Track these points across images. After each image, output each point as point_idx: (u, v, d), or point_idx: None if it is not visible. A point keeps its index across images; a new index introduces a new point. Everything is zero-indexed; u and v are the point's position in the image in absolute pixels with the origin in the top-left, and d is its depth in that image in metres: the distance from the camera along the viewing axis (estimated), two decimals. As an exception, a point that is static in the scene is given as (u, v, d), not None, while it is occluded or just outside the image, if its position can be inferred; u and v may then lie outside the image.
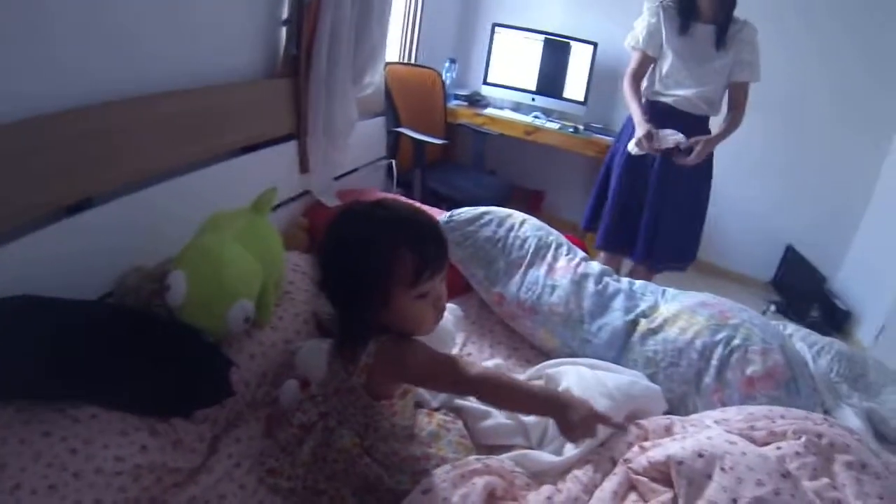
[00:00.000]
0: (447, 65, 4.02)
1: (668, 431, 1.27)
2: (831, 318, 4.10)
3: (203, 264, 1.36)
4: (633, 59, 2.68)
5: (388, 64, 3.10)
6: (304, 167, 2.36)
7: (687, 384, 1.62)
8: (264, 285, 1.49)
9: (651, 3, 2.61)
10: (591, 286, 1.88)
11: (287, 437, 1.28)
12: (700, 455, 1.09)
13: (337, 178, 2.62)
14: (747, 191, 4.27)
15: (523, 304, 1.88)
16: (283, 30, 2.12)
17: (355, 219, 1.16)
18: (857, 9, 4.00)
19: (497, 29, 4.00)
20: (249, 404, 1.43)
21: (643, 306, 1.83)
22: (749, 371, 1.58)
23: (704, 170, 2.72)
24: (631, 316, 1.79)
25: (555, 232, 2.12)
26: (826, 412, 1.57)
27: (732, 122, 2.63)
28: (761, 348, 1.60)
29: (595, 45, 3.87)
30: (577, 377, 1.50)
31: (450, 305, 1.53)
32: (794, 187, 4.32)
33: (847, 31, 3.97)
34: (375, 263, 1.07)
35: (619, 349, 1.74)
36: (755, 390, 1.56)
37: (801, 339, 1.87)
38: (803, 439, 1.18)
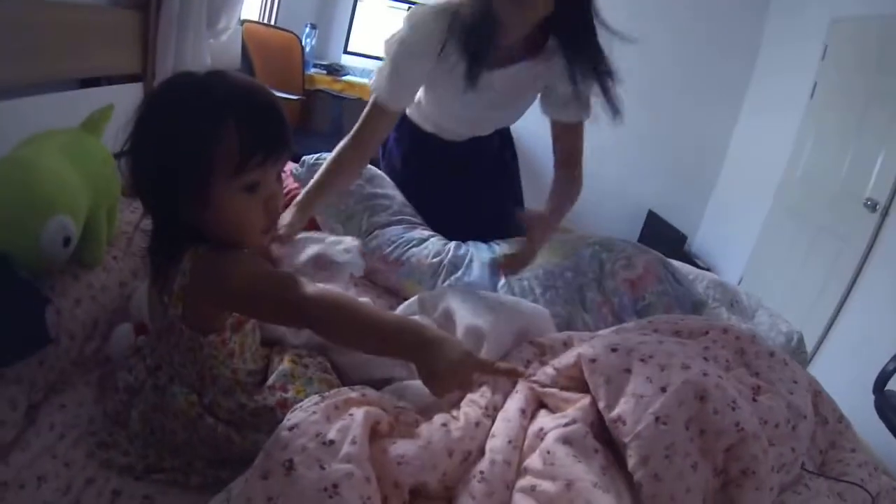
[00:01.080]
0: (307, 30, 3.79)
1: (566, 346, 1.15)
2: None
3: (12, 171, 1.05)
4: None
5: (245, 21, 2.89)
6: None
7: (571, 304, 1.57)
8: (93, 214, 1.19)
9: None
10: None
11: (114, 405, 1.00)
12: (613, 350, 0.98)
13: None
14: (606, 161, 4.48)
15: (387, 257, 1.70)
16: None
17: (177, 84, 0.90)
18: None
19: None
20: (76, 362, 1.13)
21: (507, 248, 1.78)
22: (628, 275, 1.60)
23: None
24: (498, 254, 1.73)
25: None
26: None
27: None
28: (628, 253, 1.65)
29: (458, 16, 3.87)
30: (459, 296, 1.33)
31: (346, 238, 1.36)
32: (651, 155, 4.66)
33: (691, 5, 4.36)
34: (191, 138, 0.83)
35: (493, 284, 1.66)
36: (641, 290, 1.58)
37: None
38: (710, 333, 1.15)
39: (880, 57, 3.59)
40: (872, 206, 3.38)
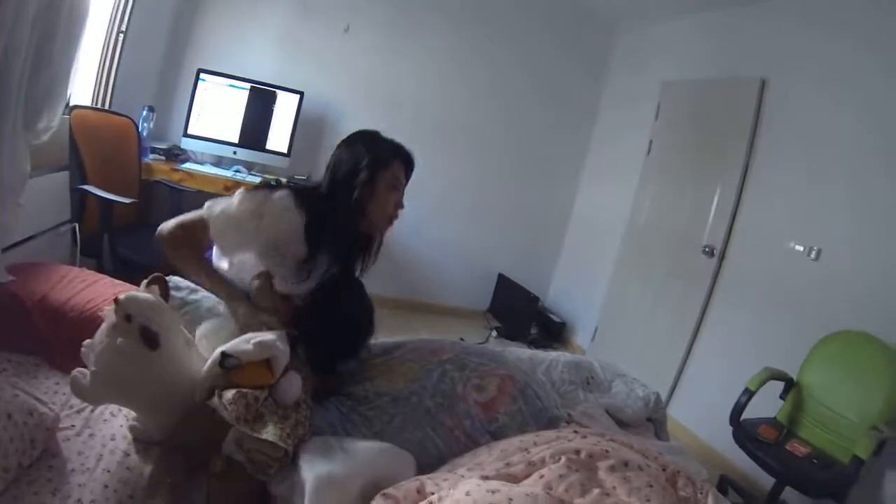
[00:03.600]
0: (144, 113, 3.55)
1: (420, 494, 1.12)
2: (550, 331, 4.63)
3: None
4: None
5: (74, 108, 2.63)
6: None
7: (421, 429, 1.52)
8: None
9: None
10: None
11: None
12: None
13: (6, 250, 2.01)
14: (454, 230, 4.60)
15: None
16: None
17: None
18: (536, 50, 4.62)
19: (202, 75, 3.68)
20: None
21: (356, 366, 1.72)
22: (480, 397, 1.57)
23: None
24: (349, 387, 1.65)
25: None
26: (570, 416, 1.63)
27: None
28: (481, 372, 1.61)
29: (301, 94, 3.79)
30: (322, 445, 1.30)
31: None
32: (499, 221, 4.81)
33: (536, 91, 4.61)
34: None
35: (342, 418, 1.55)
36: (494, 412, 1.55)
37: (529, 358, 1.95)
38: (563, 460, 1.14)
39: (706, 115, 3.97)
40: (710, 252, 3.67)
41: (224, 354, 1.32)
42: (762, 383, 2.75)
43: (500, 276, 4.80)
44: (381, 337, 1.86)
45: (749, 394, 2.72)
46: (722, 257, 3.66)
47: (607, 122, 5.01)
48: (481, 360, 1.66)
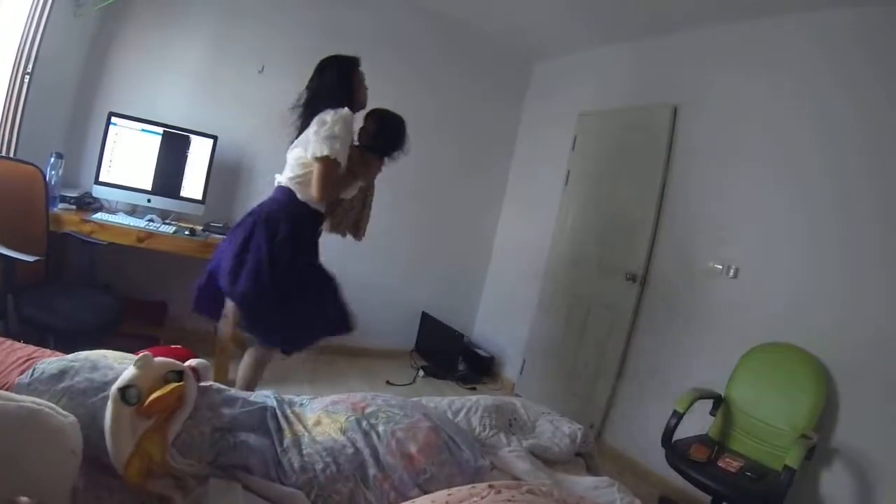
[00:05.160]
0: (52, 160, 3.33)
1: None
2: (478, 366, 4.60)
3: None
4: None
5: None
6: None
7: (352, 481, 1.50)
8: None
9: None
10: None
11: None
12: None
13: None
14: (376, 270, 4.55)
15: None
16: None
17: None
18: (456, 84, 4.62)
19: (114, 119, 3.50)
20: None
21: (283, 423, 1.68)
22: (406, 449, 1.57)
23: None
24: (276, 435, 1.62)
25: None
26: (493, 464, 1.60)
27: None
28: (407, 424, 1.61)
29: (215, 138, 3.68)
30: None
31: None
32: (420, 258, 4.78)
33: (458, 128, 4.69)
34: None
35: (276, 459, 1.54)
36: (421, 464, 1.55)
37: (447, 406, 1.91)
38: None
39: (622, 143, 4.09)
40: (632, 278, 3.75)
41: (122, 389, 1.25)
42: (690, 404, 2.80)
43: (424, 315, 4.78)
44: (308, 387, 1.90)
45: (678, 416, 2.77)
46: (644, 282, 3.75)
47: (525, 155, 5.12)
48: (404, 413, 1.65)
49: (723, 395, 3.02)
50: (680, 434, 2.84)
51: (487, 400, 2.01)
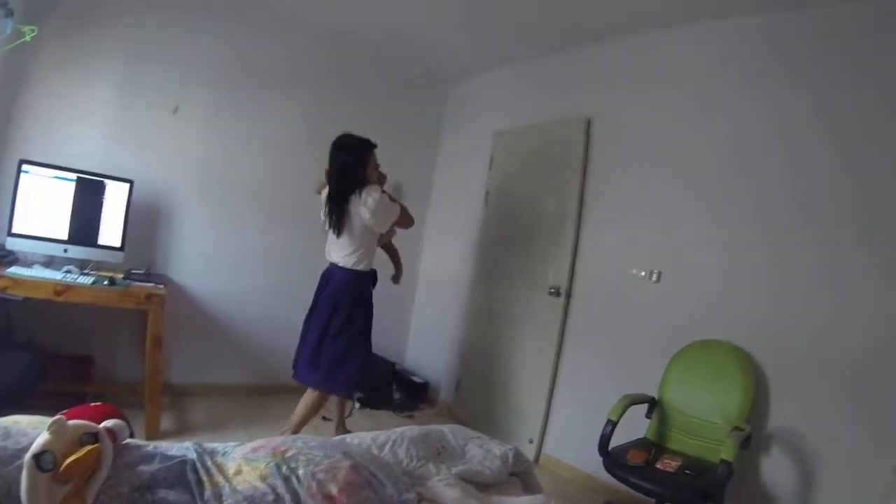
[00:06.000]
0: None
1: None
2: (413, 393, 4.60)
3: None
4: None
5: None
6: None
7: None
8: None
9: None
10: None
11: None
12: None
13: None
14: (305, 305, 4.47)
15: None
16: None
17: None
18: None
19: (25, 167, 3.34)
20: None
21: (203, 476, 1.64)
22: (326, 490, 1.54)
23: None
24: (196, 489, 1.57)
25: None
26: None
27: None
28: (327, 465, 1.59)
29: (131, 182, 3.56)
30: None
31: None
32: None
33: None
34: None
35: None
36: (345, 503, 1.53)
37: (372, 440, 1.89)
38: None
39: (539, 159, 4.15)
40: (556, 292, 3.80)
41: (36, 456, 1.21)
42: (622, 411, 2.84)
43: None
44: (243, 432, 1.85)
45: (612, 424, 2.80)
46: (569, 295, 3.81)
47: (445, 177, 5.17)
48: (325, 453, 1.63)
49: (656, 397, 3.08)
50: (621, 439, 2.88)
51: (413, 430, 2.00)
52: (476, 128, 4.79)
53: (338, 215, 3.24)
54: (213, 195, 4.13)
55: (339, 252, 3.31)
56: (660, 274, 3.37)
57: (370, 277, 3.40)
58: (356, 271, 3.29)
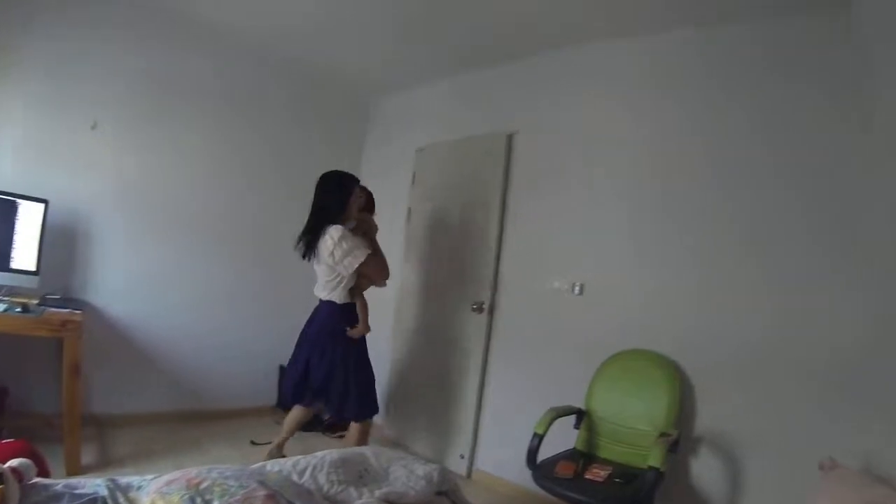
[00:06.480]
0: None
1: None
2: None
3: None
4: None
5: None
6: None
7: None
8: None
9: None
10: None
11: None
12: None
13: None
14: (226, 327, 4.39)
15: None
16: None
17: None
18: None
19: None
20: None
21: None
22: None
23: None
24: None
25: None
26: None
27: None
28: (242, 495, 1.56)
29: (46, 202, 3.40)
30: None
31: None
32: (271, 311, 4.63)
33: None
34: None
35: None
36: None
37: (292, 466, 1.87)
38: None
39: (460, 175, 4.18)
40: (480, 307, 3.83)
41: None
42: (549, 424, 2.87)
43: (282, 368, 4.55)
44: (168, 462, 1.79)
45: (538, 437, 2.83)
46: (492, 310, 3.85)
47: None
48: (240, 483, 1.59)
49: (584, 407, 3.14)
50: (553, 450, 2.92)
51: (334, 454, 1.98)
52: (399, 144, 4.81)
53: (307, 250, 3.30)
54: (135, 215, 3.98)
55: (320, 286, 3.37)
56: (582, 286, 3.45)
57: (353, 310, 3.41)
58: (338, 304, 3.33)
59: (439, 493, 2.03)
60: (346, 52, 4.33)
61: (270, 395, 4.62)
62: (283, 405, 3.43)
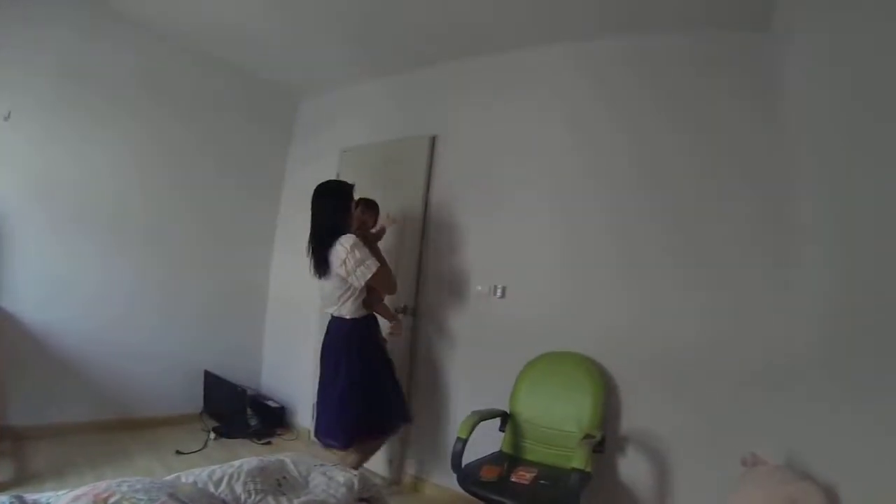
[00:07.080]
0: None
1: None
2: (270, 419, 4.42)
3: None
4: None
5: None
6: None
7: None
8: None
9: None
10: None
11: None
12: None
13: None
14: (149, 332, 4.26)
15: None
16: None
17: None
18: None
19: None
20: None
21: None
22: None
23: None
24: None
25: None
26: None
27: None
28: None
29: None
30: None
31: None
32: (195, 314, 4.54)
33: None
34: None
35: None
36: None
37: (208, 477, 1.85)
38: None
39: (384, 176, 4.16)
40: (402, 310, 3.85)
41: None
42: (472, 428, 2.89)
43: (207, 373, 4.51)
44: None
45: (462, 441, 2.84)
46: (416, 313, 3.87)
47: (292, 196, 5.06)
48: (149, 497, 1.57)
49: (508, 410, 3.19)
50: (480, 453, 2.95)
51: (252, 463, 1.96)
52: (325, 144, 4.78)
53: (317, 264, 3.15)
54: (52, 214, 3.76)
55: (330, 300, 3.22)
56: (504, 289, 3.51)
57: (366, 323, 3.25)
58: (350, 319, 3.17)
59: (361, 500, 2.04)
60: (273, 52, 4.29)
61: (196, 401, 4.50)
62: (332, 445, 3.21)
